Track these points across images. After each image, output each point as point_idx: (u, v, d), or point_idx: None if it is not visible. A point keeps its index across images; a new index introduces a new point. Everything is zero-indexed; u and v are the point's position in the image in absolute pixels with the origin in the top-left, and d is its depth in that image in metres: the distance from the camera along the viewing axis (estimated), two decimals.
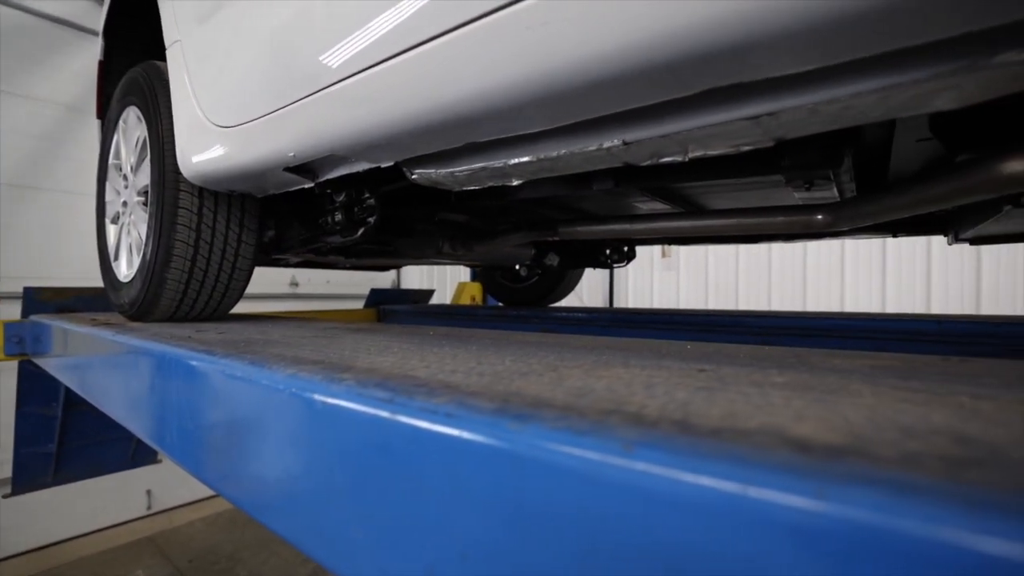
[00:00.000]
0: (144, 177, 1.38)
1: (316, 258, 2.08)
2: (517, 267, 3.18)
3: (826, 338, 1.91)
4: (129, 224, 1.47)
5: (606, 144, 0.80)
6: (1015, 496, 0.23)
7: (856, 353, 0.75)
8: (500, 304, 3.26)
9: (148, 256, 1.28)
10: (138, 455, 2.78)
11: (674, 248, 4.40)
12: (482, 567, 0.38)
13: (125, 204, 1.51)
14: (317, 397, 0.53)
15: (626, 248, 2.61)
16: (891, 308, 3.62)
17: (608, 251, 2.65)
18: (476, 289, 3.64)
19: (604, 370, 0.59)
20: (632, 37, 0.54)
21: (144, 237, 1.32)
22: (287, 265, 2.47)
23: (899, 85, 0.58)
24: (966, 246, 2.12)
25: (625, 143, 0.78)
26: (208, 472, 0.72)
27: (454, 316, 2.87)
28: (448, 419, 0.41)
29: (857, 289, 3.74)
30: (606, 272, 4.75)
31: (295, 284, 5.03)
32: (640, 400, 0.43)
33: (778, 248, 3.98)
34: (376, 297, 3.16)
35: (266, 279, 4.77)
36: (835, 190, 1.10)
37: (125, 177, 1.53)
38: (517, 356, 0.72)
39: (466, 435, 0.39)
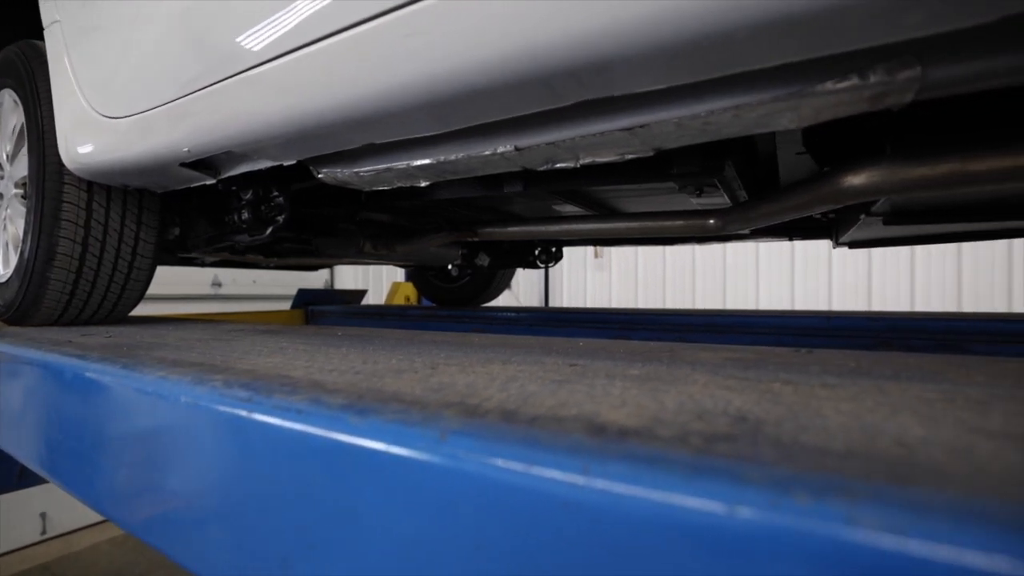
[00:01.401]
0: (22, 168, 1.27)
1: (233, 257, 2.00)
2: (449, 267, 3.19)
3: (732, 334, 2.05)
4: (5, 219, 1.36)
5: (500, 149, 0.83)
6: (734, 464, 0.27)
7: (723, 347, 0.81)
8: (433, 304, 3.25)
9: (27, 254, 1.18)
10: (26, 474, 2.55)
11: (605, 249, 4.55)
12: (329, 556, 0.39)
13: (1, 196, 1.39)
14: (183, 399, 0.53)
15: (554, 249, 2.68)
16: (799, 305, 3.92)
17: (537, 252, 2.70)
18: (410, 289, 3.61)
19: (481, 367, 0.62)
20: (500, 51, 0.56)
21: (22, 233, 1.22)
22: (203, 264, 2.36)
23: (747, 105, 0.65)
24: (862, 249, 2.33)
25: (517, 148, 0.82)
26: (79, 484, 0.69)
27: (385, 317, 2.84)
28: (298, 415, 0.42)
29: (770, 288, 4.01)
30: (541, 273, 4.84)
31: (218, 284, 4.78)
32: (490, 393, 0.46)
33: (700, 250, 4.20)
34: (304, 298, 3.07)
35: (186, 279, 4.51)
36: (725, 196, 1.18)
37: (0, 167, 1.41)
38: (408, 355, 0.73)
39: (311, 430, 0.40)
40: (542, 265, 2.74)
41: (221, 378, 0.55)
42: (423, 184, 1.06)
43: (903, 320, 1.79)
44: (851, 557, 0.21)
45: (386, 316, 2.83)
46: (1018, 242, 3.28)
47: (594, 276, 4.66)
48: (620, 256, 4.55)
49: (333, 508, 0.39)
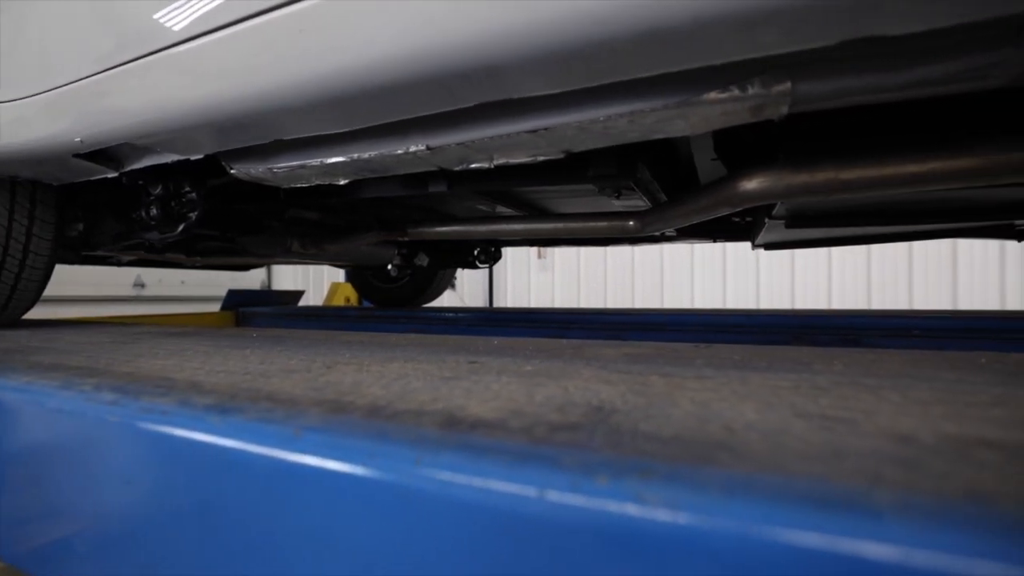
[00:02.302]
0: None
1: (152, 256, 1.89)
2: (389, 267, 3.14)
3: (660, 331, 2.12)
4: None
5: (412, 148, 0.83)
6: (558, 451, 0.28)
7: (626, 343, 0.85)
8: (372, 305, 3.19)
9: None
10: None
11: (549, 250, 4.61)
12: (194, 559, 0.38)
13: None
14: (48, 405, 0.50)
15: (493, 249, 2.69)
16: (730, 303, 4.12)
17: (476, 252, 2.71)
18: (350, 290, 3.53)
19: (380, 365, 0.62)
20: (386, 53, 0.57)
21: None
22: (120, 264, 2.21)
23: (640, 111, 0.68)
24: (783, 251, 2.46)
25: (429, 148, 0.82)
26: None
27: (321, 318, 2.76)
28: (162, 417, 0.41)
29: (704, 287, 4.20)
30: (486, 273, 4.85)
31: (141, 285, 4.49)
32: (371, 391, 0.46)
33: (639, 251, 4.34)
34: (234, 299, 2.94)
35: (106, 280, 4.22)
36: (643, 199, 1.23)
37: None
38: (312, 355, 0.72)
39: (175, 431, 0.39)
40: (482, 265, 2.75)
41: (93, 382, 0.52)
42: (343, 182, 1.04)
43: (813, 317, 1.92)
44: (640, 533, 0.23)
45: (322, 318, 2.75)
46: (920, 245, 3.58)
47: (538, 277, 4.72)
48: (563, 257, 4.63)
49: (198, 509, 0.38)
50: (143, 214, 1.21)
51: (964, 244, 3.47)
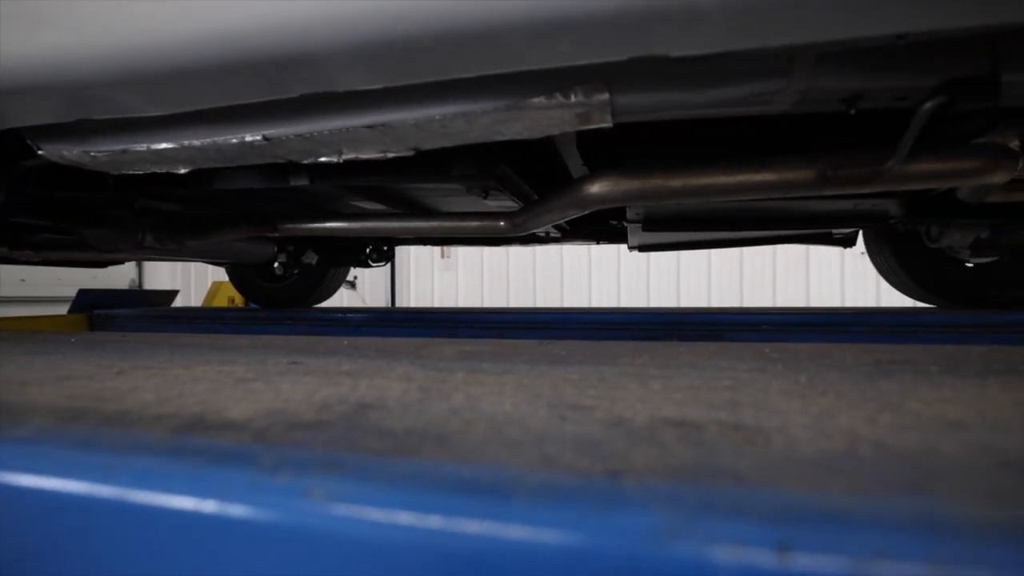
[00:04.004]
0: None
1: None
2: (275, 265, 2.97)
3: (546, 329, 2.19)
4: None
5: (248, 138, 0.78)
6: (262, 449, 0.28)
7: (471, 341, 0.86)
8: (257, 306, 2.99)
9: None
10: None
11: (452, 249, 4.60)
12: None
13: None
14: None
15: (385, 248, 2.63)
16: (624, 302, 4.35)
17: (368, 250, 2.63)
18: (235, 290, 3.29)
19: (184, 369, 0.57)
20: (183, 31, 0.53)
21: None
22: None
23: (473, 112, 0.69)
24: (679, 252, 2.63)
25: (266, 138, 0.78)
26: None
27: (195, 321, 2.54)
28: None
29: (601, 287, 4.40)
30: (387, 272, 4.74)
31: None
32: (140, 397, 0.42)
33: (540, 252, 4.45)
34: (86, 300, 2.61)
35: None
36: (510, 200, 1.26)
37: None
38: (114, 360, 0.65)
39: None
40: (375, 264, 2.68)
41: None
42: (183, 170, 0.96)
43: (682, 314, 2.07)
44: (308, 529, 0.23)
45: (196, 320, 2.53)
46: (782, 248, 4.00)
47: (441, 276, 4.69)
48: (467, 257, 4.64)
49: None
50: None
51: (815, 249, 3.94)
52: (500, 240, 2.16)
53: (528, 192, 1.30)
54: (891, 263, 2.21)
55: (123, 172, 0.97)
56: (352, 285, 4.69)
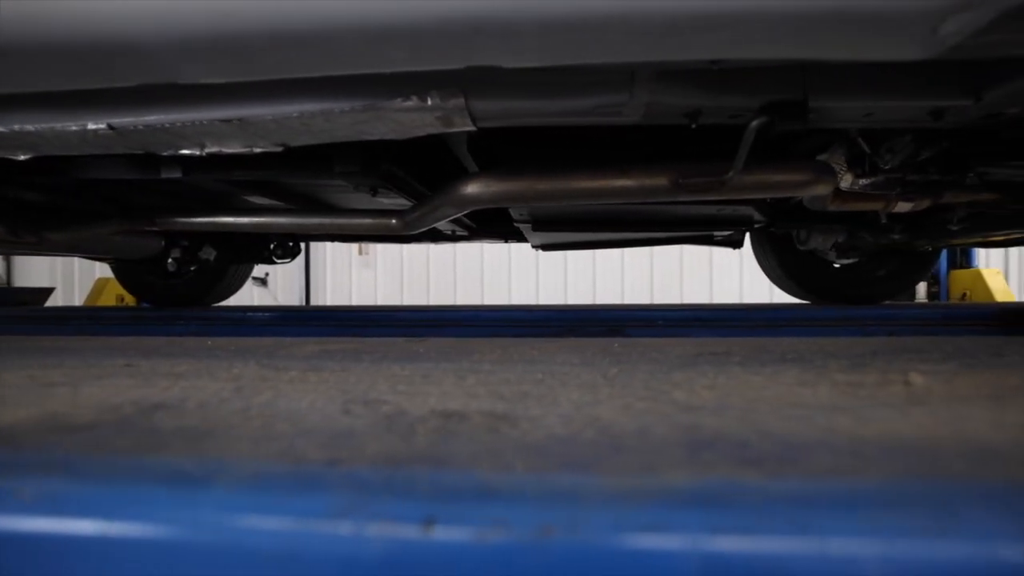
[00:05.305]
0: None
1: None
2: (169, 261, 2.77)
3: (456, 326, 2.20)
4: None
5: (91, 126, 0.73)
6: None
7: (338, 340, 0.86)
8: (149, 305, 2.78)
9: None
10: None
11: (371, 246, 4.49)
12: None
13: None
14: None
15: (291, 244, 2.53)
16: (542, 300, 4.45)
17: (273, 245, 2.52)
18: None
19: (22, 371, 0.54)
20: None
21: None
22: None
23: (332, 111, 0.69)
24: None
25: (112, 127, 0.73)
26: None
27: (66, 321, 2.32)
28: None
29: (520, 285, 4.48)
30: (302, 269, 4.55)
31: None
32: None
33: (460, 249, 4.46)
34: None
35: None
36: (404, 198, 1.26)
37: None
38: None
39: None
40: (280, 260, 2.58)
41: None
42: (22, 157, 0.88)
43: (585, 311, 2.16)
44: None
45: (68, 321, 2.31)
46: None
47: (359, 274, 4.57)
48: (386, 254, 4.55)
49: None
50: None
51: (717, 251, 4.24)
52: (399, 238, 2.14)
53: (422, 191, 1.31)
54: (772, 263, 2.43)
55: None
56: (263, 282, 4.46)
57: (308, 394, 0.43)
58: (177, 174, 1.10)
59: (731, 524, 0.18)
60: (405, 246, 4.56)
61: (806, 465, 0.23)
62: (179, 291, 2.76)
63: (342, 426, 0.32)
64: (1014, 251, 4.06)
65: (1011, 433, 0.30)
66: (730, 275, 4.31)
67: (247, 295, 4.34)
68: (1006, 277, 3.64)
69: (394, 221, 1.30)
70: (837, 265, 2.38)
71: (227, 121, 0.70)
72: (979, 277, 2.87)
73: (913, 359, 0.59)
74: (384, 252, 4.54)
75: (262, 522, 0.21)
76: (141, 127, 0.73)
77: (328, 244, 4.13)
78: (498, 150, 1.10)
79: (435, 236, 2.22)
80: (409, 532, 0.19)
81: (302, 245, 2.59)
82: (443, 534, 0.19)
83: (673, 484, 0.21)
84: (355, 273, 4.57)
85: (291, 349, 0.74)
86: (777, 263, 2.39)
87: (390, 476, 0.23)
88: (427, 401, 0.39)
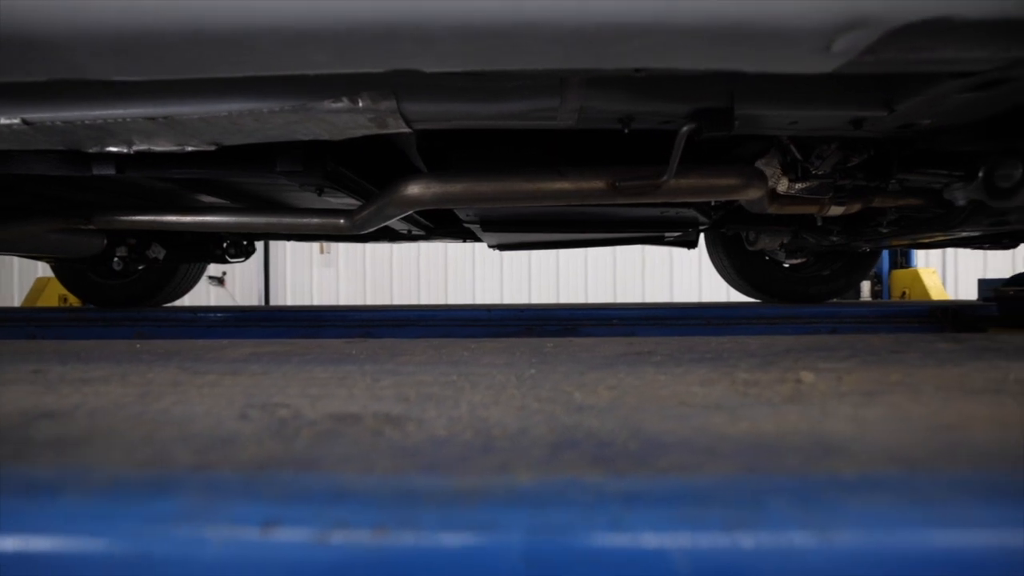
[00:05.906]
0: None
1: None
2: (115, 260, 2.66)
3: (413, 326, 2.19)
4: None
5: (3, 120, 0.70)
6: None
7: (275, 342, 0.85)
8: (93, 305, 2.66)
9: None
10: None
11: (333, 245, 4.42)
12: None
13: None
14: None
15: (245, 243, 2.48)
16: (507, 299, 4.47)
17: (225, 244, 2.46)
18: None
19: None
20: None
21: None
22: None
23: (261, 112, 0.68)
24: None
25: (27, 122, 0.71)
26: None
27: (1, 323, 2.21)
28: None
29: (484, 283, 4.48)
30: (261, 268, 4.44)
31: None
32: None
33: (424, 249, 4.43)
34: None
35: None
36: (350, 198, 1.25)
37: None
38: None
39: None
40: (232, 260, 2.52)
41: None
42: None
43: (543, 310, 2.18)
44: None
45: (3, 322, 2.21)
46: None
47: (321, 273, 4.49)
48: (348, 253, 4.49)
49: None
50: None
51: (677, 252, 4.34)
52: (353, 237, 2.12)
53: (372, 191, 1.30)
54: (725, 263, 2.50)
55: None
56: (220, 282, 4.33)
57: (212, 399, 0.43)
58: (110, 171, 1.06)
59: (554, 522, 0.19)
60: (367, 245, 4.51)
61: (655, 464, 0.25)
62: (126, 291, 2.66)
63: (228, 431, 0.32)
64: (950, 251, 4.30)
65: (859, 427, 0.32)
66: (689, 274, 4.42)
67: (204, 295, 4.21)
68: (942, 277, 3.85)
69: (343, 221, 1.29)
70: (786, 265, 2.48)
71: (152, 119, 0.69)
72: (917, 277, 3.03)
73: (820, 357, 0.63)
74: (346, 251, 4.47)
75: (109, 527, 0.21)
76: (59, 123, 0.70)
77: (288, 243, 4.05)
78: (449, 153, 1.10)
79: (392, 236, 2.20)
80: (248, 534, 0.20)
81: (259, 244, 2.53)
82: (283, 535, 0.20)
83: (513, 484, 0.22)
84: (316, 272, 4.49)
85: (224, 352, 0.73)
86: (730, 263, 2.47)
87: (249, 480, 0.24)
88: (330, 404, 0.39)
